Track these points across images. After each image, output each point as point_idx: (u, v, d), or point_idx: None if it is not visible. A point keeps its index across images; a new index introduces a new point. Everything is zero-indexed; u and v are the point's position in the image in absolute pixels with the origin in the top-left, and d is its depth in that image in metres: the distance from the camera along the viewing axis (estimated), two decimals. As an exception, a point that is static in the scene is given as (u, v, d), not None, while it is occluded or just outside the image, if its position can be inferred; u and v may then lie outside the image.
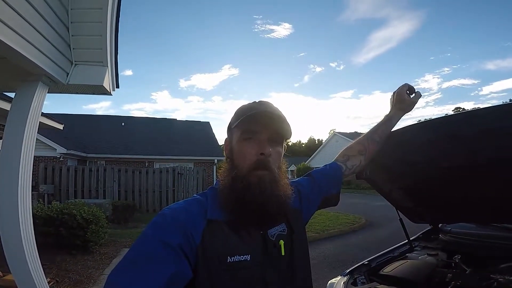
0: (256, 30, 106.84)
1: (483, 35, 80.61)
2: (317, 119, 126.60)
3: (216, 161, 14.17)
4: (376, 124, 1.14)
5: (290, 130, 0.74)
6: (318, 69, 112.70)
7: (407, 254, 1.90)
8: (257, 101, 0.79)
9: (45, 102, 2.48)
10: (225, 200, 0.71)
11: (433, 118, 1.29)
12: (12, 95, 3.00)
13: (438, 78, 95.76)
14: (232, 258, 0.65)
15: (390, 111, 1.13)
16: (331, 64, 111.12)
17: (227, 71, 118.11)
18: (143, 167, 11.77)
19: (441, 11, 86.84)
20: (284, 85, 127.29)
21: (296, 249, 0.75)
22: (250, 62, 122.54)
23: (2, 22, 1.76)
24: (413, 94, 1.11)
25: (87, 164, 12.30)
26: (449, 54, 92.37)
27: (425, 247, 2.00)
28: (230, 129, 0.78)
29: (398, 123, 1.15)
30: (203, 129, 17.96)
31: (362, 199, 16.08)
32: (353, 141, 1.12)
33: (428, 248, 1.96)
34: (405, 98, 1.09)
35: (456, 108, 44.71)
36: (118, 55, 2.94)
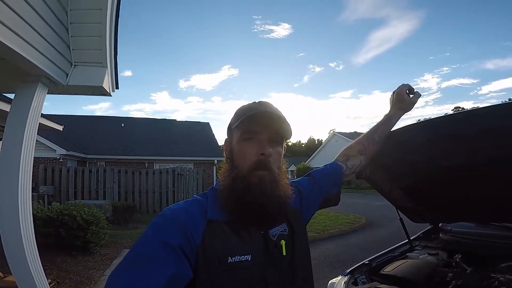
0: (255, 30, 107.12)
1: (482, 34, 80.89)
2: (316, 119, 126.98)
3: (216, 161, 14.16)
4: (375, 124, 1.14)
5: (290, 130, 0.74)
6: (318, 69, 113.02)
7: (407, 254, 1.90)
8: (256, 101, 0.79)
9: (44, 103, 2.47)
10: (226, 200, 0.71)
11: (432, 117, 1.29)
12: (11, 96, 2.99)
13: (437, 77, 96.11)
14: (232, 258, 0.65)
15: (389, 111, 1.13)
16: (331, 64, 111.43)
17: (227, 72, 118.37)
18: (143, 168, 11.76)
19: (441, 11, 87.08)
20: (283, 85, 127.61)
21: (297, 249, 0.75)
22: (250, 63, 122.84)
23: (1, 22, 1.76)
24: (413, 94, 1.12)
25: (87, 165, 12.30)
26: (448, 54, 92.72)
27: (425, 247, 1.99)
28: (230, 129, 0.78)
29: (397, 122, 1.15)
30: (203, 129, 17.96)
31: (362, 199, 16.08)
32: (353, 141, 1.12)
33: (429, 247, 1.96)
34: (404, 98, 1.09)
35: (456, 108, 44.75)
36: (117, 55, 2.94)
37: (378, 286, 1.46)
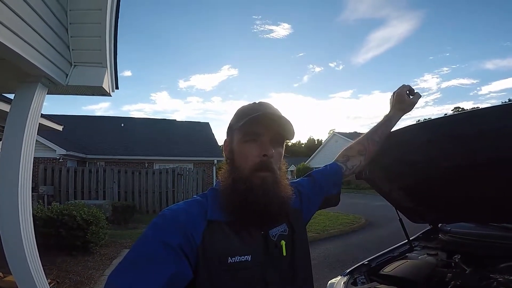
0: (255, 30, 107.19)
1: (482, 34, 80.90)
2: (316, 119, 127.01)
3: (216, 161, 14.15)
4: (375, 124, 1.14)
5: (293, 130, 0.73)
6: (317, 69, 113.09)
7: (407, 254, 1.90)
8: (257, 102, 0.79)
9: (44, 103, 2.47)
10: (227, 201, 0.71)
11: (432, 118, 1.30)
12: (11, 96, 2.99)
13: (437, 78, 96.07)
14: (232, 258, 0.65)
15: (389, 111, 1.13)
16: (330, 64, 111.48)
17: (227, 72, 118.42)
18: (143, 168, 11.75)
19: (441, 11, 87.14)
20: (283, 85, 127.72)
21: (297, 249, 0.75)
22: (250, 63, 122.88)
23: (1, 23, 1.76)
24: (413, 95, 1.12)
25: (87, 165, 12.28)
26: (448, 54, 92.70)
27: (425, 247, 1.99)
28: (231, 130, 0.78)
29: (397, 123, 1.15)
30: (202, 129, 17.95)
31: (362, 199, 16.08)
32: (353, 141, 1.12)
33: (428, 248, 1.96)
34: (405, 98, 1.10)
35: (456, 108, 44.84)
36: (117, 56, 2.94)
37: (378, 286, 1.46)
